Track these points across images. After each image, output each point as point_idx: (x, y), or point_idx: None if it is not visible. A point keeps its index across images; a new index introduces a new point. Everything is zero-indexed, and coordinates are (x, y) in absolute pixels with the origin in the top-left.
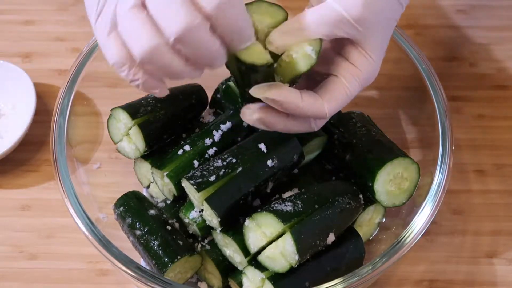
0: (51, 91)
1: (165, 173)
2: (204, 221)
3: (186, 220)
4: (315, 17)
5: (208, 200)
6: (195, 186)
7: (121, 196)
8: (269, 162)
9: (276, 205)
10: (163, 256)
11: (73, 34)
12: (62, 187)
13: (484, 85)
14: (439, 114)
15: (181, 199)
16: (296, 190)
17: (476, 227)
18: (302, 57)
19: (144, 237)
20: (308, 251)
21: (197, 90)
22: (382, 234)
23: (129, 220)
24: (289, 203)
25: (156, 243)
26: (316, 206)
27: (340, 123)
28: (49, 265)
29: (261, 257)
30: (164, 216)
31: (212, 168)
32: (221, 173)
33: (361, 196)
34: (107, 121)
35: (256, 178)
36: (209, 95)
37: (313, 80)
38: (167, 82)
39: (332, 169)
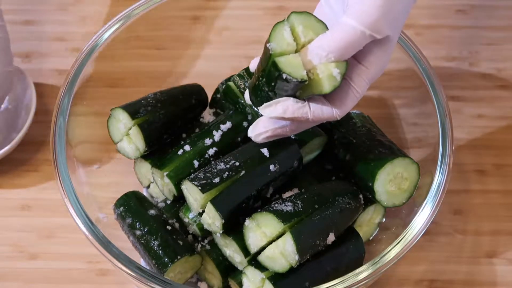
0: (51, 91)
1: (165, 173)
2: None
3: (186, 220)
4: (339, 42)
5: (213, 201)
6: (199, 188)
7: (121, 196)
8: (271, 167)
9: (276, 205)
10: (163, 256)
11: (73, 34)
12: (62, 187)
13: (484, 85)
14: (439, 114)
15: (181, 199)
16: (296, 190)
17: (476, 227)
18: (328, 78)
19: (144, 237)
20: (308, 251)
21: (197, 90)
22: (382, 234)
23: (129, 220)
24: (289, 203)
25: (156, 243)
26: (316, 206)
27: (340, 123)
28: (49, 265)
29: (261, 257)
30: (164, 216)
31: (215, 170)
32: (224, 175)
33: (361, 196)
34: (107, 121)
35: (259, 182)
36: (209, 95)
37: None
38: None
39: (332, 169)
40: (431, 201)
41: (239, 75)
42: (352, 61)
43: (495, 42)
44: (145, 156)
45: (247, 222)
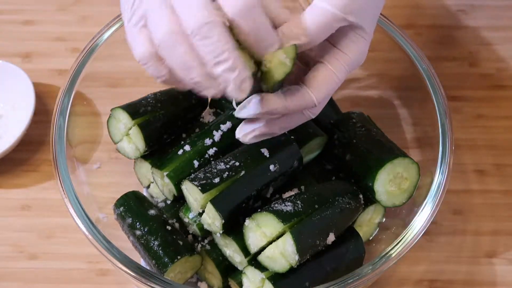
0: (51, 91)
1: (165, 173)
2: None
3: (186, 220)
4: (311, 24)
5: (213, 201)
6: (199, 188)
7: (121, 196)
8: (271, 167)
9: (276, 205)
10: (163, 256)
11: (73, 34)
12: (62, 187)
13: (484, 85)
14: (439, 114)
15: (181, 199)
16: (296, 190)
17: (476, 227)
18: (278, 65)
19: (144, 237)
20: (308, 251)
21: None
22: (382, 234)
23: (129, 220)
24: (289, 203)
25: (156, 243)
26: (316, 206)
27: (340, 123)
28: (49, 265)
29: (261, 257)
30: (164, 216)
31: (215, 170)
32: (224, 175)
33: (361, 196)
34: (107, 121)
35: (259, 182)
36: None
37: (306, 65)
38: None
39: (332, 169)
40: (431, 201)
41: None
42: (330, 47)
43: (495, 42)
44: (145, 156)
45: (247, 222)
